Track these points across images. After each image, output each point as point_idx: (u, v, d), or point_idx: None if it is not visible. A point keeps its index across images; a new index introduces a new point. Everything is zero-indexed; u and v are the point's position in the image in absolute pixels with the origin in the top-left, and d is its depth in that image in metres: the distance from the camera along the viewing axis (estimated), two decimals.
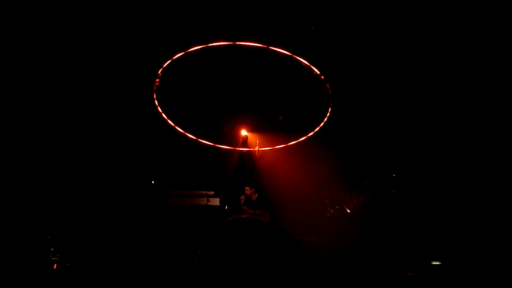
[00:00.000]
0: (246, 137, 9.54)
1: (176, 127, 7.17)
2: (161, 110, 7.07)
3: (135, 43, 6.76)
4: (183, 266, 5.84)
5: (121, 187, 8.48)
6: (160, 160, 9.48)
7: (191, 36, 6.34)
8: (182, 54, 6.21)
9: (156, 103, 6.96)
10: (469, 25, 6.04)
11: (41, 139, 7.21)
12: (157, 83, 6.71)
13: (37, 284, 5.21)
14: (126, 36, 6.60)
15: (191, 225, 8.03)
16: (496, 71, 6.55)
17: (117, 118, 8.20)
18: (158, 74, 6.59)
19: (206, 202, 8.91)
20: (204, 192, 9.12)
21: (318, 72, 6.73)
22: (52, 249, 6.15)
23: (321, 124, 7.49)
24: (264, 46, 6.13)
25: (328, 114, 7.38)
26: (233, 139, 9.60)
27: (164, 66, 6.44)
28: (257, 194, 7.98)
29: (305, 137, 7.73)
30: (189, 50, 6.16)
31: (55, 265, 5.90)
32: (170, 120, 7.17)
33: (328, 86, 6.94)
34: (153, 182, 9.35)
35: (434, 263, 6.43)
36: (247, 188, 7.95)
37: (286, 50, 6.25)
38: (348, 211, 8.84)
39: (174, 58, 6.27)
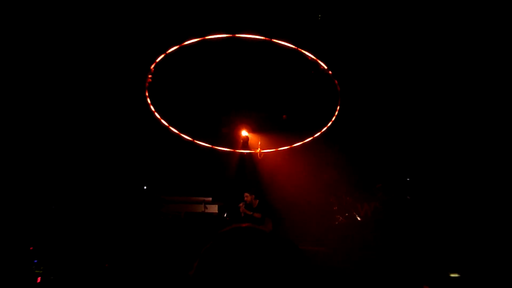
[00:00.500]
0: (247, 138, 9.53)
1: (170, 127, 7.16)
2: (154, 108, 7.05)
3: (125, 35, 6.74)
4: (178, 280, 5.82)
5: (110, 193, 8.47)
6: (153, 164, 9.47)
7: (187, 28, 6.33)
8: (177, 48, 6.19)
9: (149, 101, 6.94)
10: (489, 10, 6.03)
11: (21, 139, 7.22)
12: (150, 80, 6.69)
13: None
14: (115, 27, 6.59)
15: (186, 234, 8.01)
16: None
17: (106, 117, 8.20)
18: (150, 69, 6.56)
19: (203, 210, 8.90)
20: (201, 199, 9.11)
21: (326, 67, 6.70)
22: (35, 261, 6.13)
23: (329, 124, 7.46)
24: (266, 38, 6.11)
25: (336, 112, 7.34)
26: (232, 141, 9.59)
27: (157, 60, 6.42)
28: (258, 201, 7.97)
29: (311, 138, 7.71)
30: (185, 43, 6.15)
31: (39, 278, 5.89)
32: (163, 119, 7.15)
33: (336, 82, 6.91)
34: (145, 187, 9.34)
35: (452, 275, 6.41)
36: (246, 194, 7.93)
37: (290, 43, 6.23)
38: (359, 218, 8.82)
39: (168, 52, 6.26)
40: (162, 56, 6.31)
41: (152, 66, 6.47)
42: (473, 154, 7.63)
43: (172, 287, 5.68)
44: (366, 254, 7.39)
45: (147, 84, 6.75)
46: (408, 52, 7.00)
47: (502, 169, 7.13)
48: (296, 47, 6.25)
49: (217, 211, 9.07)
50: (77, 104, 7.82)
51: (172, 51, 6.21)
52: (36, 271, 5.96)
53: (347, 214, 9.01)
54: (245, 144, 9.41)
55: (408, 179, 8.77)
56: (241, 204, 7.94)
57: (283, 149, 8.17)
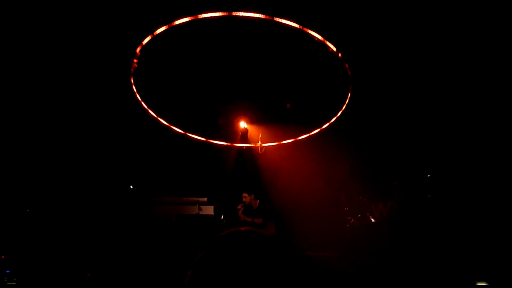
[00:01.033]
0: (246, 130, 9.53)
1: (159, 119, 7.14)
2: (140, 98, 7.03)
3: (105, 13, 6.70)
4: None
5: (92, 194, 8.47)
6: (140, 160, 9.47)
7: (177, 6, 6.29)
8: (166, 29, 6.15)
9: (134, 90, 6.91)
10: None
11: None
12: (135, 65, 6.66)
13: None
14: (94, 3, 6.54)
15: (179, 240, 8.02)
16: None
17: (86, 108, 8.18)
18: (136, 53, 6.53)
19: (197, 211, 8.89)
20: (195, 199, 9.10)
21: (335, 49, 6.66)
22: (7, 271, 6.13)
23: (339, 114, 7.44)
24: (267, 17, 6.07)
25: (347, 101, 7.31)
26: (229, 133, 9.58)
27: (144, 43, 6.38)
28: (258, 201, 7.98)
29: (318, 129, 7.69)
30: (174, 23, 6.11)
31: None
32: (151, 110, 7.13)
33: (347, 66, 6.87)
34: (131, 187, 9.34)
35: (479, 284, 6.41)
36: (245, 194, 7.94)
37: (293, 22, 6.19)
38: (373, 220, 8.83)
39: (155, 33, 6.22)
40: (148, 38, 6.27)
41: (138, 49, 6.44)
42: (506, 147, 7.60)
43: None
44: (381, 261, 7.40)
45: (132, 70, 6.71)
46: (433, 29, 6.93)
47: None
48: (300, 27, 6.21)
49: (212, 213, 9.07)
50: (52, 93, 7.79)
51: (160, 32, 6.17)
52: (8, 283, 5.96)
53: (359, 216, 9.02)
54: (244, 137, 9.41)
55: (429, 175, 8.76)
56: (239, 207, 7.94)
57: (287, 143, 8.15)
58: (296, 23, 6.14)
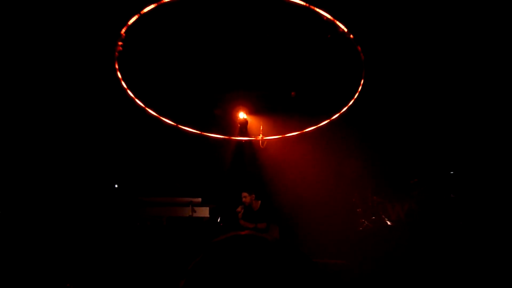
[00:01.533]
0: (246, 122, 9.52)
1: (147, 108, 7.12)
2: (126, 85, 7.00)
3: None
4: None
5: (70, 193, 8.47)
6: (126, 155, 9.46)
7: None
8: (155, 7, 6.13)
9: (119, 76, 6.89)
10: None
11: None
12: (120, 48, 6.63)
13: None
14: None
15: (170, 245, 8.02)
16: None
17: (64, 95, 8.17)
18: (120, 35, 6.50)
19: (190, 213, 8.89)
20: (188, 200, 9.09)
21: (345, 30, 6.64)
22: None
23: (350, 103, 7.41)
24: None
25: (359, 88, 7.29)
26: (227, 126, 9.57)
27: (130, 23, 6.36)
28: (260, 202, 7.97)
29: (327, 121, 7.67)
30: (164, 0, 6.08)
31: None
32: (138, 99, 7.11)
33: (359, 49, 6.85)
34: (116, 186, 9.34)
35: None
36: (244, 194, 7.92)
37: None
38: (389, 223, 8.83)
39: (142, 12, 6.19)
40: (135, 17, 6.24)
41: (123, 30, 6.41)
42: None
43: None
44: (399, 269, 7.40)
45: (116, 54, 6.69)
46: (461, 4, 6.91)
47: None
48: (307, 4, 6.18)
49: (208, 215, 9.07)
50: (27, 80, 7.78)
51: (148, 11, 6.14)
52: None
53: (374, 218, 9.01)
54: (243, 129, 9.40)
55: (452, 172, 8.75)
56: (239, 209, 7.93)
57: (292, 136, 8.13)
58: (303, 0, 6.12)
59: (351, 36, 6.61)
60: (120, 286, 6.77)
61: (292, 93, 9.14)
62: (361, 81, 7.14)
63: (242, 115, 9.58)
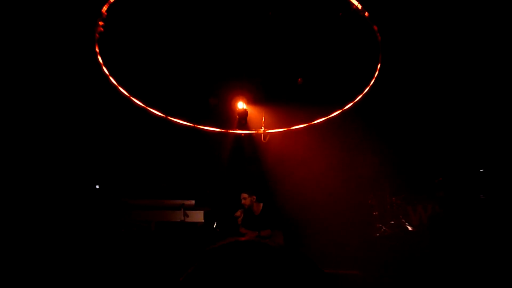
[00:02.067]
0: (245, 112, 9.50)
1: (132, 98, 7.10)
2: (108, 71, 6.98)
3: None
4: None
5: (45, 194, 8.45)
6: (108, 152, 9.46)
7: None
8: None
9: (100, 61, 6.87)
10: None
11: None
12: (101, 29, 6.62)
13: None
14: None
15: (159, 254, 8.01)
16: None
17: (39, 83, 8.16)
18: (101, 13, 6.49)
19: (182, 218, 8.88)
20: (179, 202, 9.08)
21: (360, 6, 6.61)
22: None
23: (365, 91, 7.39)
24: None
25: (375, 74, 7.27)
26: (224, 117, 9.57)
27: (111, 0, 6.35)
28: (261, 204, 7.95)
29: (339, 111, 7.64)
30: None
31: None
32: (122, 87, 7.09)
33: (375, 28, 6.83)
34: (97, 186, 9.33)
35: None
36: (244, 195, 7.91)
37: None
38: (410, 228, 8.82)
39: None
40: None
41: (104, 8, 6.40)
42: None
43: None
44: (421, 280, 7.39)
45: (97, 35, 6.68)
46: None
47: None
48: None
49: (202, 220, 9.06)
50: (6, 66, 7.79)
51: None
52: None
53: (392, 223, 9.01)
54: (243, 121, 9.39)
55: (482, 169, 8.73)
56: (238, 213, 7.91)
57: (298, 129, 8.11)
58: None
59: (366, 14, 6.60)
60: None
61: (299, 79, 9.13)
62: (377, 66, 7.13)
63: (241, 105, 9.56)
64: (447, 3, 7.36)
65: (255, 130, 8.45)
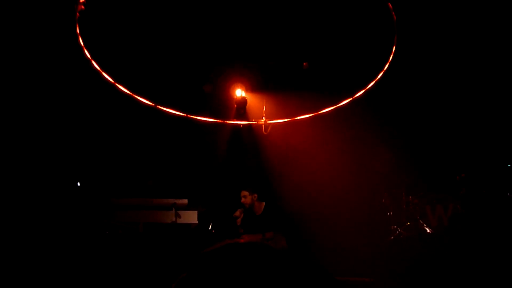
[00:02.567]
0: (244, 101, 9.50)
1: (117, 84, 7.09)
2: (90, 55, 6.98)
3: None
4: None
5: (18, 192, 8.46)
6: (91, 145, 9.46)
7: None
8: None
9: (81, 43, 6.87)
10: None
11: None
12: (82, 7, 6.61)
13: None
14: None
15: (148, 258, 8.02)
16: None
17: (13, 67, 8.16)
18: None
19: (174, 219, 8.90)
20: (170, 201, 9.10)
21: None
22: None
23: (378, 76, 7.38)
24: None
25: (390, 57, 7.26)
26: (220, 106, 9.57)
27: None
28: (263, 204, 7.95)
29: (349, 99, 7.64)
30: None
31: None
32: (106, 73, 7.08)
33: (390, 6, 6.83)
34: (79, 184, 9.34)
35: None
36: (244, 193, 7.91)
37: None
38: (429, 230, 8.83)
39: None
40: None
41: None
42: None
43: None
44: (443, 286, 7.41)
45: (78, 15, 6.67)
46: None
47: None
48: None
49: (196, 221, 9.08)
50: None
51: None
52: None
53: (409, 224, 9.02)
54: (242, 111, 9.39)
55: (509, 165, 8.74)
56: (237, 213, 7.91)
57: (303, 119, 8.10)
58: None
59: None
60: None
61: (304, 64, 9.13)
62: (392, 49, 7.12)
63: (239, 92, 9.55)
64: None
65: (255, 121, 8.46)
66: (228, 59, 9.23)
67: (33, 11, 7.44)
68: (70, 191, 9.22)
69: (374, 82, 7.29)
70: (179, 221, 8.83)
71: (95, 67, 6.91)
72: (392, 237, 9.08)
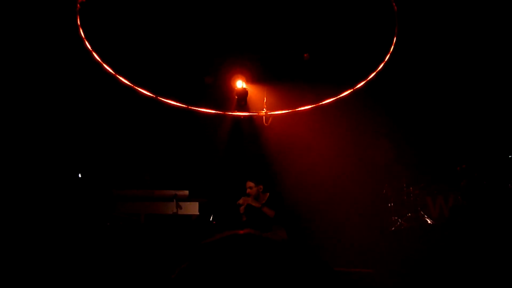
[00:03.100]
0: (245, 92, 9.49)
1: (118, 76, 7.10)
2: (91, 46, 6.98)
3: None
4: None
5: (22, 184, 8.46)
6: (92, 136, 9.46)
7: None
8: None
9: (82, 34, 6.87)
10: None
11: None
12: None
13: None
14: None
15: (149, 249, 8.03)
16: None
17: (15, 60, 8.16)
18: None
19: (175, 210, 8.91)
20: (171, 192, 9.11)
21: None
22: None
23: (379, 67, 7.38)
24: None
25: (391, 48, 7.25)
26: (221, 97, 9.56)
27: None
28: (268, 194, 7.96)
29: (349, 90, 7.63)
30: None
31: None
32: (107, 64, 7.08)
33: None
34: (80, 175, 9.34)
35: None
36: (250, 184, 7.91)
37: None
38: (429, 221, 8.83)
39: None
40: None
41: None
42: None
43: None
44: (441, 279, 7.41)
45: (78, 6, 6.67)
46: None
47: None
48: None
49: (197, 213, 9.10)
50: None
51: None
52: None
53: (409, 215, 9.02)
54: (242, 102, 9.38)
55: (510, 156, 8.73)
56: (241, 201, 7.91)
57: (304, 110, 8.10)
58: None
59: None
60: None
61: (305, 54, 9.12)
62: (393, 40, 7.11)
63: (240, 84, 9.54)
64: None
65: (256, 112, 8.48)
66: (229, 50, 9.21)
67: (34, 3, 7.43)
68: (72, 183, 9.21)
69: (374, 73, 7.30)
70: (180, 212, 8.85)
71: (96, 59, 6.93)
72: (392, 228, 9.09)
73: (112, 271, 7.44)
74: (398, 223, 9.10)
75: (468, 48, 8.52)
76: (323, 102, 7.63)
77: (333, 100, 7.54)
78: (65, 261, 7.44)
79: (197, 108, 7.71)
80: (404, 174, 9.32)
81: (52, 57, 8.20)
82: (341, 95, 7.52)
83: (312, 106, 7.75)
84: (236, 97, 9.54)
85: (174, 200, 8.85)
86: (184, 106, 7.53)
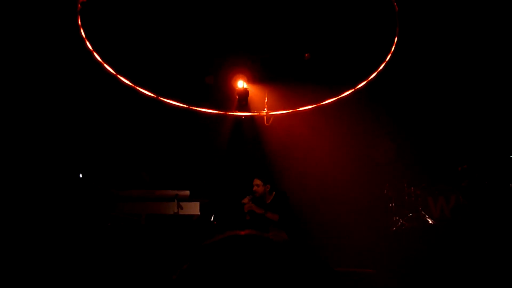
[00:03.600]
0: (246, 92, 9.49)
1: (119, 76, 7.10)
2: (92, 47, 6.99)
3: None
4: None
5: (23, 184, 8.47)
6: (93, 136, 9.47)
7: None
8: None
9: (83, 35, 6.88)
10: None
11: None
12: None
13: None
14: None
15: (150, 249, 8.04)
16: None
17: (16, 60, 8.16)
18: None
19: (176, 210, 8.92)
20: (172, 192, 9.11)
21: None
22: None
23: (380, 67, 7.38)
24: None
25: (392, 48, 7.26)
26: (222, 98, 9.56)
27: None
28: (274, 193, 7.96)
29: (351, 90, 7.63)
30: None
31: None
32: (108, 65, 7.09)
33: None
34: (81, 175, 9.34)
35: None
36: (257, 182, 7.91)
37: None
38: (431, 222, 8.82)
39: None
40: None
41: None
42: None
43: None
44: (443, 280, 7.41)
45: (79, 6, 6.68)
46: None
47: None
48: None
49: (198, 213, 9.10)
50: None
51: None
52: None
53: (411, 215, 9.02)
54: (243, 102, 9.38)
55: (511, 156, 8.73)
56: (246, 200, 7.91)
57: (305, 110, 8.10)
58: None
59: None
60: None
61: (306, 54, 9.11)
62: (394, 40, 7.11)
63: (241, 84, 9.54)
64: None
65: (257, 112, 8.48)
66: (230, 50, 9.21)
67: (35, 3, 7.43)
68: (73, 183, 9.22)
69: (375, 73, 7.30)
70: (181, 212, 8.84)
71: (97, 59, 6.94)
72: (394, 228, 9.09)
73: (113, 272, 7.45)
74: (399, 223, 9.10)
75: (469, 48, 8.51)
76: (324, 102, 7.64)
77: (334, 100, 7.55)
78: (66, 261, 7.45)
79: (198, 108, 7.73)
80: (405, 174, 9.31)
81: (53, 57, 8.20)
82: (342, 95, 7.53)
83: (313, 106, 7.75)
84: (237, 97, 9.55)
85: (175, 200, 8.84)
86: (185, 106, 7.55)
